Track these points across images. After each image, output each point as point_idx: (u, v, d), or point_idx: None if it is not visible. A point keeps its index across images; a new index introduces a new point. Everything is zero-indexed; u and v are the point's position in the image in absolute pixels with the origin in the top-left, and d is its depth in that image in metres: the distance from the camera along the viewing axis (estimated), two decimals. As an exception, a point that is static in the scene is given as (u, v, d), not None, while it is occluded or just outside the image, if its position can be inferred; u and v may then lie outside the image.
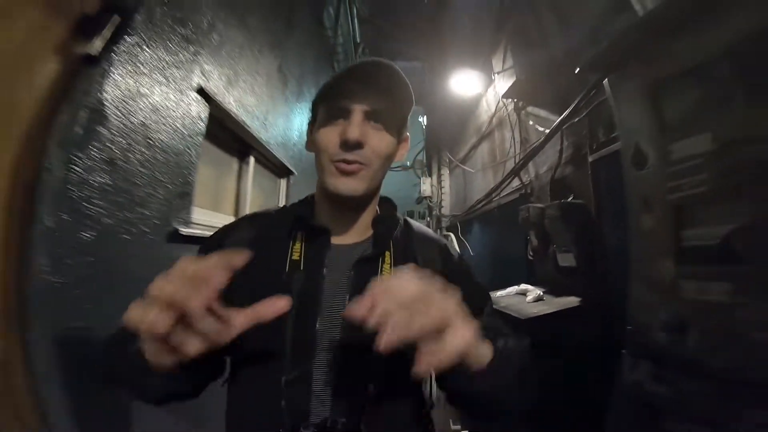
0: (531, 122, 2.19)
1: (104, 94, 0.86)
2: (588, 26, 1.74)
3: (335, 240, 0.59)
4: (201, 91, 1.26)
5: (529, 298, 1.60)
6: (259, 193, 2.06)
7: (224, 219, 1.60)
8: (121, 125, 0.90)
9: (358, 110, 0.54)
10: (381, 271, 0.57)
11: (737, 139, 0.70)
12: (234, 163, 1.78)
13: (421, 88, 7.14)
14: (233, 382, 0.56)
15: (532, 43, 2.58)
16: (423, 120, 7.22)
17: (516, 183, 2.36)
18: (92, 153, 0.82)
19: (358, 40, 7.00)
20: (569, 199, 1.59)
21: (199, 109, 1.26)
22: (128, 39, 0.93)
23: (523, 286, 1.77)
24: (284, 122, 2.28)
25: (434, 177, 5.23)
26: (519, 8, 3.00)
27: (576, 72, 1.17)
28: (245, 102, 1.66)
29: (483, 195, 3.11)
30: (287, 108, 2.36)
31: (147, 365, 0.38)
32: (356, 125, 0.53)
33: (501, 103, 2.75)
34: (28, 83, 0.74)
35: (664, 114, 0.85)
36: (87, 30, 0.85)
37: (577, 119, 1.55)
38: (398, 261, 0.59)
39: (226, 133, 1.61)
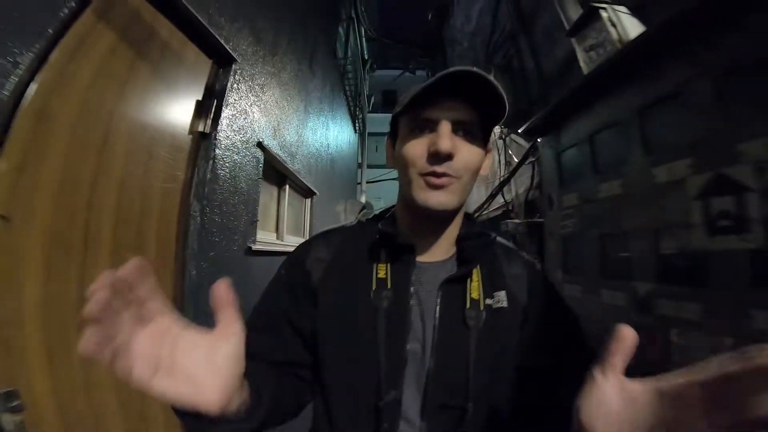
0: (510, 152, 2.66)
1: (215, 159, 1.35)
2: (555, 71, 2.21)
3: (420, 258, 0.58)
4: (260, 144, 1.75)
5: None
6: (290, 212, 2.55)
7: (269, 234, 2.09)
8: (223, 178, 1.39)
9: (446, 121, 0.51)
10: (469, 292, 0.55)
11: (587, 199, 1.15)
12: (274, 190, 2.27)
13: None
14: (321, 404, 0.55)
15: (515, 78, 3.05)
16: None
17: (501, 200, 2.82)
18: (212, 200, 1.31)
19: (366, 56, 7.54)
20: (536, 217, 2.05)
21: (258, 158, 1.75)
22: (223, 114, 1.41)
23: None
24: (307, 151, 2.78)
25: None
26: (504, 48, 3.49)
27: (520, 132, 1.64)
28: (283, 143, 2.15)
29: (477, 207, 3.57)
30: (310, 139, 2.86)
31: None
32: (446, 136, 0.50)
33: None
34: (181, 159, 1.23)
35: (562, 174, 1.31)
36: (200, 113, 1.33)
37: (528, 162, 2.02)
38: (487, 278, 0.58)
39: (272, 170, 2.10)
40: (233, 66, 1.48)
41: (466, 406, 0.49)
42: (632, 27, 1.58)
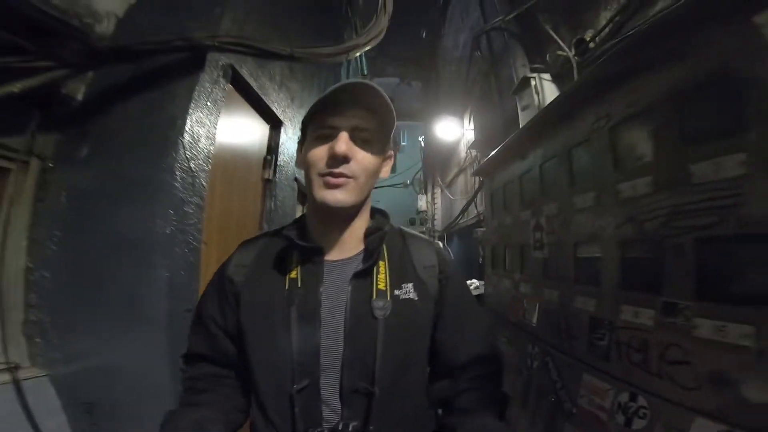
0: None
1: (275, 196, 2.14)
2: (511, 115, 2.97)
3: (330, 256, 0.64)
4: (296, 179, 2.54)
5: (473, 287, 2.87)
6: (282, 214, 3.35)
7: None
8: (279, 207, 2.18)
9: (344, 128, 0.58)
10: (376, 282, 0.62)
11: (504, 225, 1.93)
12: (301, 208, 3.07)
13: (418, 105, 8.33)
14: (252, 390, 0.63)
15: (489, 109, 3.82)
16: (422, 140, 8.44)
17: (476, 211, 3.62)
18: (273, 223, 2.10)
19: (366, 72, 8.29)
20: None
21: (294, 188, 2.54)
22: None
23: (473, 281, 3.04)
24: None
25: (429, 195, 6.48)
26: (480, 82, 4.26)
27: (472, 174, 2.43)
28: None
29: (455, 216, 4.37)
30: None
31: None
32: (343, 141, 0.57)
33: (467, 152, 4.01)
34: (258, 197, 2.03)
35: (492, 205, 2.10)
36: (265, 165, 2.12)
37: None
38: (395, 270, 0.65)
39: (302, 195, 2.90)
40: (281, 127, 2.26)
41: (373, 390, 0.56)
42: (551, 93, 2.36)
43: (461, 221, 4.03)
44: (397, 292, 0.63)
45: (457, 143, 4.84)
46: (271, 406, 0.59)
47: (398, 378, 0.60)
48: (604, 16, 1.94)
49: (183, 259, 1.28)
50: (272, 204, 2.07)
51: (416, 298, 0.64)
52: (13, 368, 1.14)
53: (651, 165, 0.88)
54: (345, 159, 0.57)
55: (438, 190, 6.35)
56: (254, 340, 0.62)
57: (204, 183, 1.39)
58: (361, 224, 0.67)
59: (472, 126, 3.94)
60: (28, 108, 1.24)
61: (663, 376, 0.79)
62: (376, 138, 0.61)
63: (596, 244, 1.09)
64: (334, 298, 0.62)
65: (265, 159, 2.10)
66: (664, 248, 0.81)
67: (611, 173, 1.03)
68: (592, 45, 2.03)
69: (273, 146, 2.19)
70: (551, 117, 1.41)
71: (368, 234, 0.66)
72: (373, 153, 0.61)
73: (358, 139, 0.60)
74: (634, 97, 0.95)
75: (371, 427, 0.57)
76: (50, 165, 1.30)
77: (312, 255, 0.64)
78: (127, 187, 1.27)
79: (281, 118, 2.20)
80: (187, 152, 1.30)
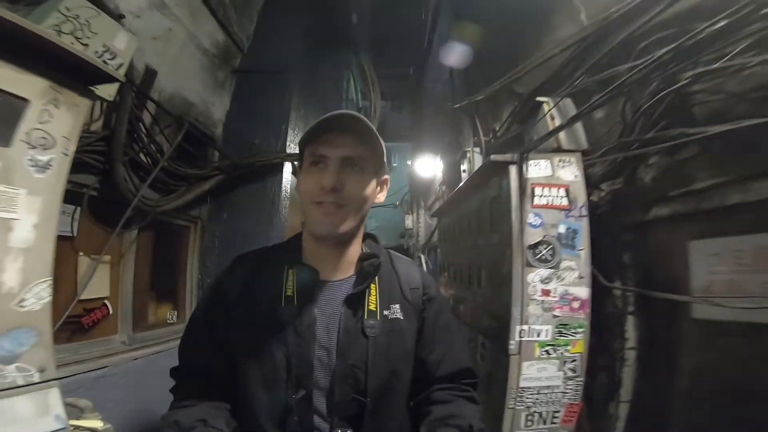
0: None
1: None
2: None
3: (324, 276, 0.70)
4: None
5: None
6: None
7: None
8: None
9: (335, 157, 0.63)
10: (367, 305, 0.68)
11: (445, 249, 3.30)
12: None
13: (407, 127, 9.68)
14: (244, 401, 0.67)
15: (452, 156, 5.21)
16: (410, 164, 9.77)
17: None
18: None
19: (360, 105, 9.73)
20: (452, 247, 4.23)
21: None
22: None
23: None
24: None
25: (414, 215, 7.85)
26: (450, 131, 5.65)
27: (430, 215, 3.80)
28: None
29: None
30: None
31: None
32: (332, 172, 0.62)
33: (439, 187, 5.41)
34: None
35: (441, 235, 3.46)
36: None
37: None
38: (384, 292, 0.71)
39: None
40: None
41: (365, 401, 0.63)
42: (478, 163, 3.76)
43: (434, 240, 5.38)
44: (385, 312, 0.69)
45: (434, 177, 6.21)
46: (265, 415, 0.63)
47: (386, 390, 0.67)
48: (506, 113, 3.34)
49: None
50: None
51: (402, 318, 0.71)
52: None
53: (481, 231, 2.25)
54: (334, 189, 0.62)
55: (422, 211, 7.73)
56: (249, 352, 0.67)
57: (283, 230, 2.73)
58: (354, 248, 0.73)
59: (442, 167, 5.31)
60: (199, 199, 2.58)
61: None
62: (366, 165, 0.67)
63: (469, 263, 2.45)
64: (328, 316, 0.68)
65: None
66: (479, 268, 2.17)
67: (477, 231, 2.40)
68: (499, 134, 3.43)
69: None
70: (466, 188, 2.80)
71: (363, 259, 0.72)
72: (363, 179, 0.66)
73: (348, 166, 0.64)
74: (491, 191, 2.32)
75: None
76: (206, 223, 2.63)
77: (308, 275, 0.69)
78: (246, 233, 2.60)
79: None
80: (277, 218, 2.64)
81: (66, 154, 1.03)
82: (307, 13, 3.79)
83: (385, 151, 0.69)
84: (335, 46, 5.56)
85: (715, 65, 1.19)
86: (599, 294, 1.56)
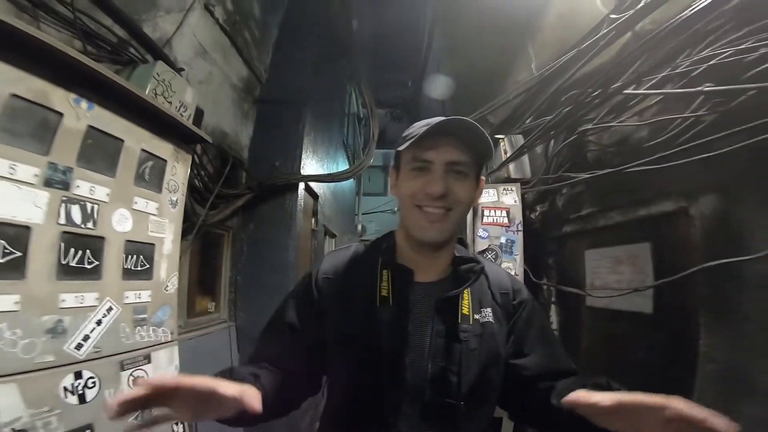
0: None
1: (317, 237, 4.16)
2: None
3: (419, 277, 0.72)
4: (324, 226, 4.58)
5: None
6: (318, 248, 5.34)
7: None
8: (318, 245, 4.21)
9: (440, 163, 0.65)
10: (461, 308, 0.69)
11: None
12: (328, 239, 5.08)
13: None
14: (334, 399, 0.71)
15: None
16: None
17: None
18: (319, 255, 4.12)
19: (361, 116, 10.41)
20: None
21: (324, 230, 4.56)
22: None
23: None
24: (333, 214, 5.56)
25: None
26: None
27: None
28: (329, 220, 4.96)
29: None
30: (335, 208, 5.67)
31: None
32: (439, 179, 0.65)
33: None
34: (309, 240, 4.07)
35: None
36: (312, 221, 4.16)
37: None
38: (476, 296, 0.72)
39: (329, 233, 4.92)
40: (318, 199, 4.29)
41: (459, 405, 0.63)
42: None
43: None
44: (477, 316, 0.71)
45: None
46: (353, 416, 0.65)
47: (479, 394, 0.67)
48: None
49: (295, 267, 3.28)
50: (316, 244, 4.10)
51: (493, 321, 0.72)
52: (223, 321, 3.10)
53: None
54: (443, 196, 0.65)
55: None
56: (342, 352, 0.70)
57: (298, 237, 3.40)
58: (449, 251, 0.75)
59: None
60: (233, 212, 3.25)
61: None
62: (470, 169, 0.69)
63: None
64: (422, 318, 0.69)
65: (312, 217, 4.14)
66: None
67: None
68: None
69: (315, 210, 4.23)
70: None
71: (458, 263, 0.74)
72: (468, 184, 0.69)
73: (452, 171, 0.67)
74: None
75: None
76: (237, 231, 3.30)
77: (403, 275, 0.71)
78: (270, 240, 3.28)
79: (318, 194, 4.26)
80: (294, 227, 3.32)
81: (183, 194, 1.70)
82: (315, 38, 4.45)
83: (492, 153, 0.70)
84: (338, 68, 6.24)
85: (590, 125, 1.84)
86: (531, 288, 2.20)
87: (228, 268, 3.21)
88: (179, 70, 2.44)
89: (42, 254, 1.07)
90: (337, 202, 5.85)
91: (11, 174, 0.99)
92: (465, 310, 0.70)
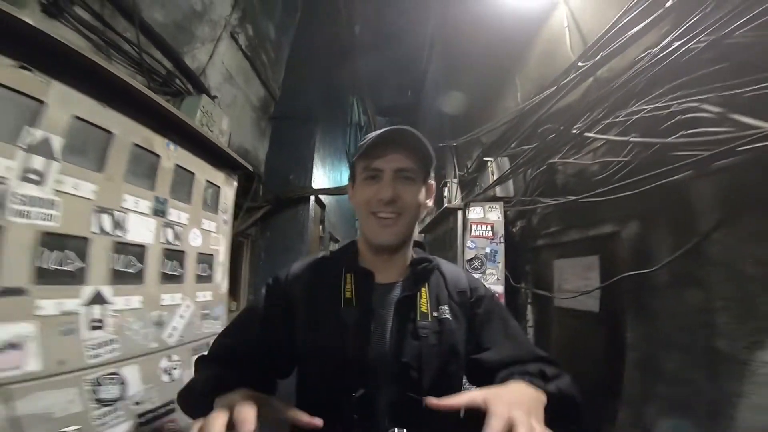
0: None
1: (324, 244, 4.61)
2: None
3: (379, 279, 0.77)
4: (330, 233, 5.02)
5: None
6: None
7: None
8: (325, 247, 4.64)
9: (388, 170, 0.71)
10: (419, 306, 0.74)
11: None
12: (333, 245, 5.51)
13: None
14: (303, 398, 0.75)
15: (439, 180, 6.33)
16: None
17: (432, 244, 6.13)
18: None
19: (362, 124, 10.89)
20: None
21: (330, 236, 5.00)
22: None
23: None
24: (338, 222, 5.99)
25: (409, 226, 8.96)
26: (437, 161, 6.83)
27: (419, 231, 4.94)
28: (334, 227, 5.40)
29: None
30: (339, 217, 6.10)
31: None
32: (388, 185, 0.70)
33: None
34: (317, 243, 4.51)
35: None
36: (320, 228, 4.60)
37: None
38: (433, 294, 0.77)
39: (334, 239, 5.36)
40: (325, 208, 4.73)
41: (421, 399, 0.63)
42: (454, 190, 4.89)
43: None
44: (435, 313, 0.74)
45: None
46: (325, 414, 0.62)
47: (440, 388, 0.68)
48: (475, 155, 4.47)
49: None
50: (321, 247, 4.54)
51: (451, 318, 0.76)
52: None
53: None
54: (392, 201, 0.70)
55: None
56: (310, 352, 0.74)
57: (309, 243, 3.84)
58: (405, 253, 0.80)
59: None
60: (253, 222, 3.69)
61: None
62: (417, 174, 0.74)
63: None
64: (383, 317, 0.73)
65: (320, 225, 4.58)
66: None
67: (442, 248, 3.51)
68: (469, 171, 4.56)
69: (323, 219, 4.68)
70: (437, 219, 3.91)
71: (415, 264, 0.79)
72: (416, 188, 0.74)
73: (400, 177, 0.72)
74: (449, 225, 3.43)
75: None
76: (255, 239, 3.74)
77: (365, 278, 0.76)
78: (284, 247, 3.72)
79: (325, 203, 4.71)
80: (306, 234, 3.76)
81: (231, 213, 2.14)
82: (323, 55, 4.89)
83: (433, 159, 0.76)
84: (342, 79, 6.64)
85: (557, 158, 2.29)
86: (511, 291, 2.67)
87: (247, 272, 3.63)
88: (213, 98, 2.87)
89: (152, 265, 1.50)
90: (340, 209, 6.30)
91: (135, 207, 1.43)
92: (423, 308, 0.74)
